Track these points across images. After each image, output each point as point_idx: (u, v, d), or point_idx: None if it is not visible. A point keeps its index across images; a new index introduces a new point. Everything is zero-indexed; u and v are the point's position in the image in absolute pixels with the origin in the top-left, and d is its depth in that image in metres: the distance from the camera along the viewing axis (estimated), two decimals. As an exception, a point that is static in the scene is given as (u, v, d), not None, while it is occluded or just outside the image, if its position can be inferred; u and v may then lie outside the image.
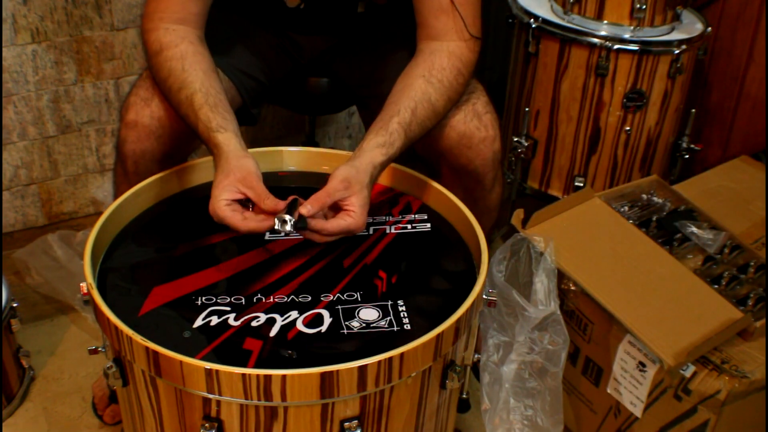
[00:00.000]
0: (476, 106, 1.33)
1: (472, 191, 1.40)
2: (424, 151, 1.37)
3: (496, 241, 1.63)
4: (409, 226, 1.25)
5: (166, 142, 1.31)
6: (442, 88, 1.24)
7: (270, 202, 1.09)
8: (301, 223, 1.08)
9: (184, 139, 1.31)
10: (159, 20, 1.24)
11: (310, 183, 1.28)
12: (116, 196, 1.25)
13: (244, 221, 1.09)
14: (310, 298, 1.08)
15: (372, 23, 1.51)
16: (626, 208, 1.57)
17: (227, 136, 1.15)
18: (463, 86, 1.29)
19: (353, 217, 1.10)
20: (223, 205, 1.09)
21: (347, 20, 1.50)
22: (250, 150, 1.19)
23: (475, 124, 1.32)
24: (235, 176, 1.10)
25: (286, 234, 1.09)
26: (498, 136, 1.35)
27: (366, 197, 1.13)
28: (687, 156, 1.90)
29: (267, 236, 1.20)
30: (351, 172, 1.13)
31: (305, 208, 1.09)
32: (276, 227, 1.07)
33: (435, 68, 1.25)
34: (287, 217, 1.07)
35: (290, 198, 1.10)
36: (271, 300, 1.08)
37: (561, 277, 1.42)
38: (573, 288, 1.42)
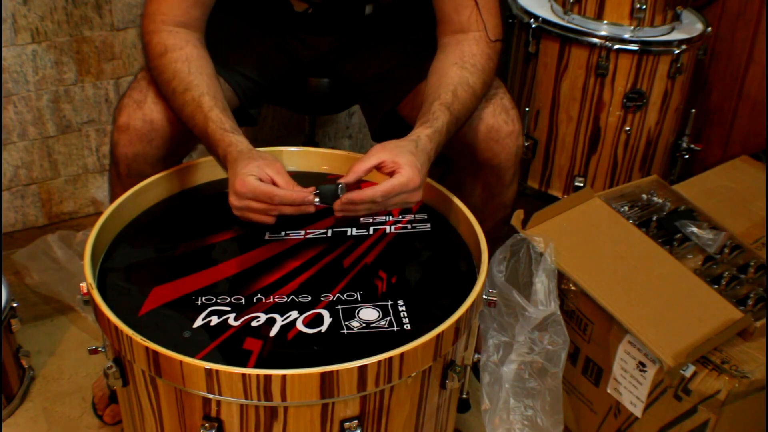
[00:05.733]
0: (503, 101, 1.35)
1: (492, 187, 1.40)
2: (447, 145, 1.37)
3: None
4: (409, 226, 1.25)
5: (158, 146, 1.29)
6: (477, 72, 1.26)
7: (299, 190, 1.09)
8: (341, 191, 1.08)
9: (177, 142, 1.30)
10: (161, 22, 1.23)
11: (310, 183, 1.27)
12: (111, 199, 1.23)
13: (278, 189, 1.07)
14: (310, 298, 1.08)
15: (379, 23, 1.51)
16: (626, 208, 1.57)
17: (242, 138, 1.15)
18: (494, 71, 1.30)
19: (402, 173, 1.08)
20: (251, 178, 1.07)
21: (355, 22, 1.50)
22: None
23: (503, 118, 1.33)
24: (263, 161, 1.09)
25: (321, 204, 1.09)
26: (521, 131, 1.37)
27: (411, 158, 1.10)
28: (687, 156, 1.90)
29: (267, 236, 1.20)
30: (388, 143, 1.12)
31: (343, 180, 1.09)
32: (316, 202, 1.08)
33: (466, 55, 1.27)
34: (339, 183, 1.08)
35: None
36: (271, 300, 1.08)
37: (561, 277, 1.42)
38: (573, 288, 1.42)
